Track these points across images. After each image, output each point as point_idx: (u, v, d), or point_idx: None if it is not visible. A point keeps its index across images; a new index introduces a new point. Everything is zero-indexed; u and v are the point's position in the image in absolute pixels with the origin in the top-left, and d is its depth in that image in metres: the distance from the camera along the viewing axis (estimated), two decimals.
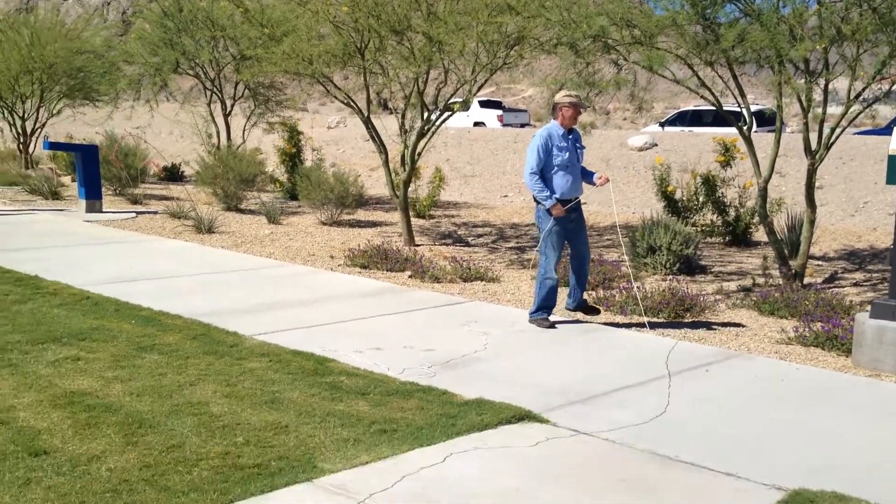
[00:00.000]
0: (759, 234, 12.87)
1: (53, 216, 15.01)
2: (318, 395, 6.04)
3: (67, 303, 8.46)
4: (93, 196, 15.31)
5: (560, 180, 8.06)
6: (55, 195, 17.47)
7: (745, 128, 10.12)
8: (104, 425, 5.31)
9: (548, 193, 7.99)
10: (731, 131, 12.08)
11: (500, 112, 39.35)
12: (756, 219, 12.44)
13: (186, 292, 9.20)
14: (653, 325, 8.31)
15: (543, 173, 8.05)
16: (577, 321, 8.50)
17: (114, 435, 5.17)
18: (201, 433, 5.26)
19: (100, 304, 8.47)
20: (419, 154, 12.82)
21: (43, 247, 11.78)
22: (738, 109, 10.26)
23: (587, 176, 8.30)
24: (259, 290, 9.51)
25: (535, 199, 8.19)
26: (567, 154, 8.07)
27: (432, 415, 5.71)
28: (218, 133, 20.08)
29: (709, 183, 13.02)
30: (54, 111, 23.02)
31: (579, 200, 8.20)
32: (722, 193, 13.07)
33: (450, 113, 12.76)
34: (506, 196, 18.83)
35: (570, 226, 8.17)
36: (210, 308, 8.44)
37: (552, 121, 8.27)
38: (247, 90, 19.31)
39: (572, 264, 8.35)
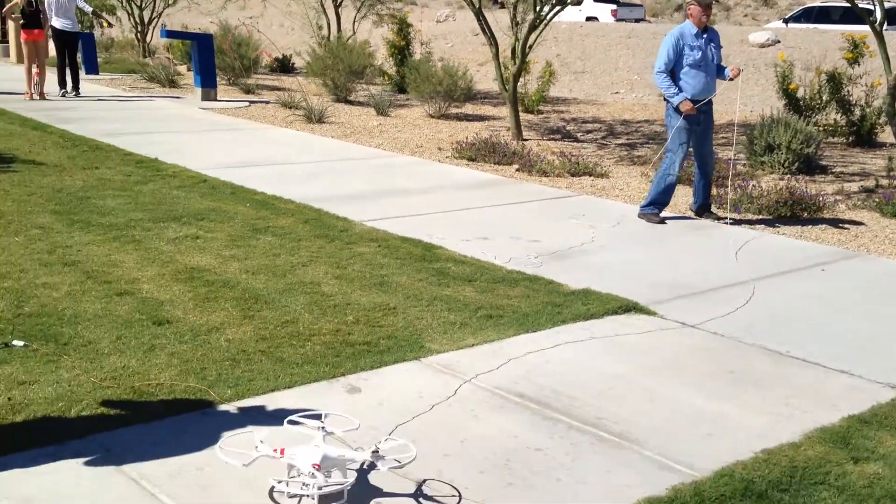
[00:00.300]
0: (886, 135, 12.30)
1: (170, 103, 15.40)
2: (426, 280, 6.13)
3: (186, 185, 8.74)
4: (208, 84, 15.63)
5: (691, 80, 7.96)
6: (172, 83, 17.87)
7: (876, 24, 9.59)
8: (222, 299, 5.52)
9: (675, 90, 7.91)
10: (859, 29, 11.45)
11: (614, 7, 38.08)
12: (883, 118, 11.85)
13: (298, 179, 9.38)
14: (767, 224, 8.11)
15: (674, 72, 7.97)
16: (689, 218, 8.36)
17: (231, 309, 5.37)
18: (313, 311, 5.42)
19: (216, 187, 8.72)
20: (529, 48, 12.58)
21: (161, 132, 12.13)
22: (870, 6, 9.71)
23: (721, 72, 8.14)
24: (368, 179, 9.62)
25: (664, 97, 8.14)
26: (699, 54, 7.94)
27: (538, 303, 5.75)
28: (328, 25, 20.11)
29: (834, 80, 12.43)
30: (171, 1, 23.38)
31: (710, 101, 8.07)
32: (847, 92, 12.47)
33: (562, 6, 12.42)
34: (617, 93, 18.39)
35: (697, 127, 8.07)
36: (321, 194, 8.60)
37: (686, 20, 8.11)
38: None
39: (697, 165, 8.28)
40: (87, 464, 3.53)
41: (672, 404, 4.38)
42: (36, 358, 4.49)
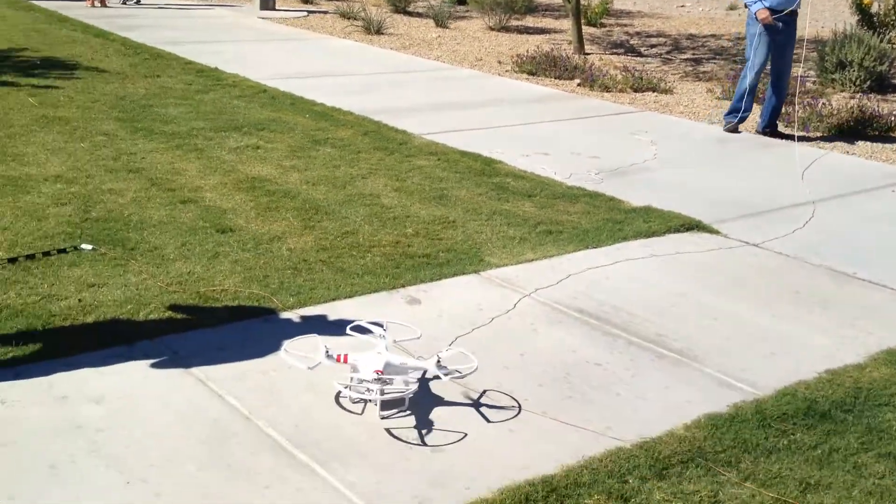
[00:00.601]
0: None
1: (230, 12, 15.33)
2: (485, 194, 6.10)
3: (246, 95, 8.75)
4: None
5: None
6: None
7: None
8: (283, 209, 5.56)
9: None
10: None
11: None
12: None
13: (357, 90, 9.32)
14: (836, 143, 7.89)
15: None
16: (757, 135, 8.17)
17: (292, 219, 5.41)
18: (373, 222, 5.44)
19: (276, 97, 8.71)
20: None
21: (221, 41, 12.11)
22: None
23: None
24: (427, 92, 9.53)
25: (745, 3, 8.04)
26: None
27: (598, 219, 5.70)
28: None
29: None
30: None
31: (794, 12, 7.85)
32: None
33: None
34: (682, 6, 17.86)
35: (778, 37, 7.89)
36: (380, 106, 8.55)
37: None
38: None
39: (770, 80, 8.12)
40: (156, 365, 3.63)
41: (734, 323, 4.35)
42: (104, 262, 4.59)
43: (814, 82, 10.46)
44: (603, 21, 15.27)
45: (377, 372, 3.36)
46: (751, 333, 4.24)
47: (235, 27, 13.59)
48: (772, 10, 7.76)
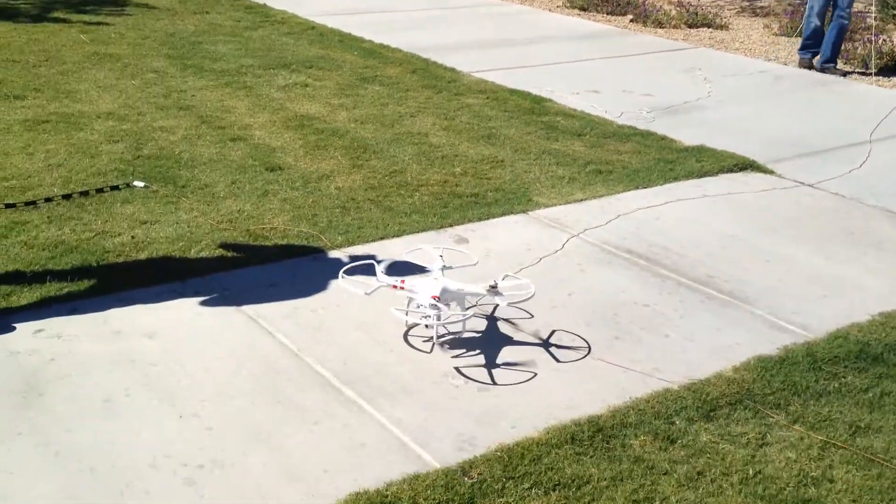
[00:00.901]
0: None
1: None
2: (534, 133, 6.04)
3: (294, 31, 8.71)
4: None
5: None
6: None
7: None
8: (332, 148, 5.56)
9: None
10: None
11: None
12: None
13: (405, 27, 9.22)
14: (894, 77, 7.67)
15: None
16: (815, 72, 7.96)
17: (341, 157, 5.41)
18: (421, 161, 5.42)
19: (324, 34, 8.66)
20: None
21: None
22: None
23: None
24: (476, 28, 9.40)
25: None
26: None
27: (649, 159, 5.61)
28: None
29: None
30: None
31: None
32: None
33: None
34: None
35: None
36: (429, 43, 8.45)
37: None
38: None
39: (833, 14, 7.90)
40: (207, 301, 3.68)
41: (787, 265, 4.28)
42: (156, 199, 4.64)
43: (875, 18, 10.11)
44: None
45: (434, 297, 3.35)
46: (803, 275, 4.18)
47: None
48: None
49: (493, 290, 3.44)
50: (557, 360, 3.41)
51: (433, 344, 3.45)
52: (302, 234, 4.34)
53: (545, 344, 3.52)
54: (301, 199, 4.78)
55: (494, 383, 3.24)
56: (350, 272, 3.70)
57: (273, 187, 4.90)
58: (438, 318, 3.36)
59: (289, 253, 4.16)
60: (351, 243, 4.29)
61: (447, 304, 3.41)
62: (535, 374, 3.31)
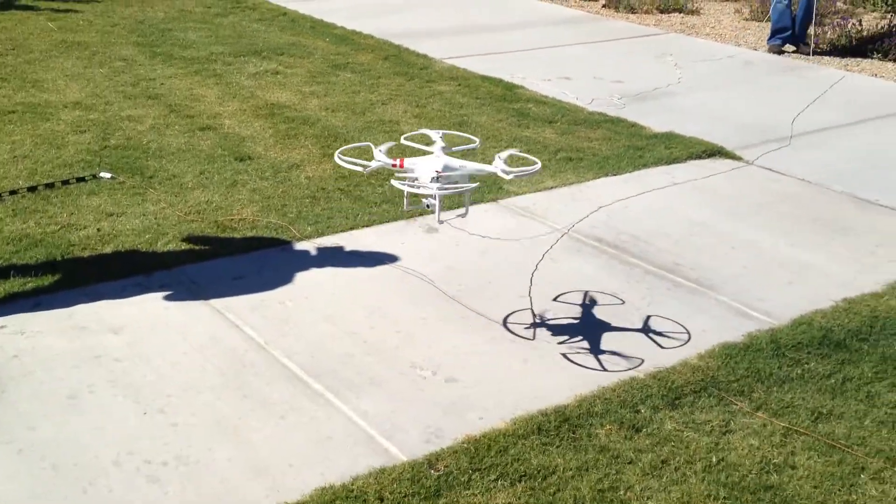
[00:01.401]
0: None
1: None
2: (506, 120, 6.04)
3: (265, 17, 8.65)
4: None
5: None
6: None
7: None
8: (302, 136, 5.54)
9: None
10: None
11: None
12: None
13: (378, 12, 9.18)
14: (864, 65, 7.70)
15: None
16: (785, 55, 8.00)
17: (311, 146, 5.39)
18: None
19: (296, 20, 8.61)
20: None
21: None
22: None
23: None
24: (450, 14, 9.37)
25: None
26: None
27: (619, 146, 5.63)
28: None
29: None
30: None
31: None
32: None
33: None
34: None
35: None
36: (401, 29, 8.42)
37: None
38: None
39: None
40: (174, 295, 3.67)
41: (753, 251, 4.31)
42: (123, 190, 4.61)
43: (845, 1, 10.16)
44: None
45: (437, 171, 3.24)
46: (769, 262, 4.21)
47: None
48: None
49: (500, 164, 3.34)
50: (525, 351, 3.42)
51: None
52: (271, 226, 4.33)
53: (513, 334, 3.53)
54: (270, 189, 4.76)
55: (461, 375, 3.25)
56: (347, 152, 3.57)
57: (242, 177, 4.88)
58: (440, 188, 3.20)
59: (257, 244, 4.15)
60: (321, 234, 4.28)
61: (450, 181, 3.27)
62: (503, 366, 3.32)
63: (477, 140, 3.74)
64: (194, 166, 4.98)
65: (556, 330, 3.56)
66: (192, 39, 7.68)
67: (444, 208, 3.56)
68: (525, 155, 3.68)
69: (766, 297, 3.86)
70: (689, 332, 3.56)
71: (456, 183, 3.34)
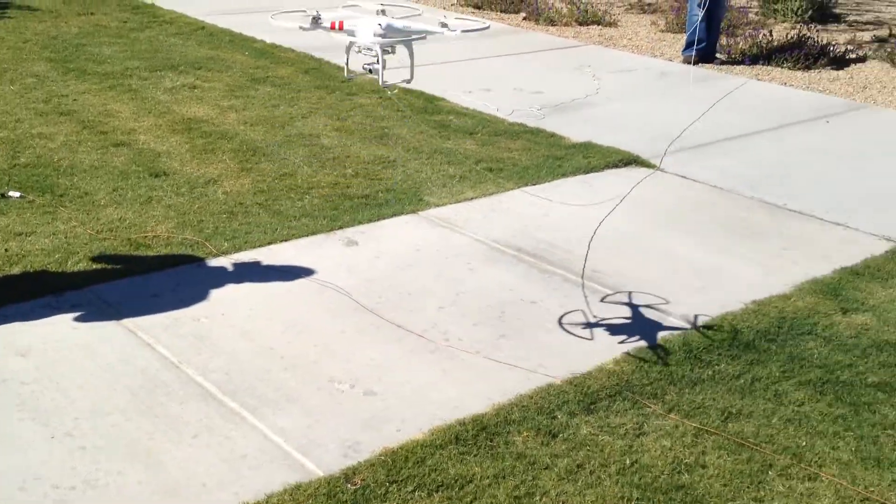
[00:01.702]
0: None
1: None
2: (427, 132, 6.06)
3: (183, 32, 8.54)
4: None
5: None
6: None
7: None
8: (220, 151, 5.48)
9: None
10: None
11: None
12: None
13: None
14: (776, 74, 7.93)
15: None
16: (699, 65, 8.18)
17: (229, 161, 5.34)
18: (312, 163, 5.38)
19: (214, 34, 8.52)
20: None
21: None
22: None
23: None
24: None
25: None
26: None
27: (539, 156, 5.69)
28: None
29: None
30: None
31: None
32: None
33: None
34: None
35: None
36: (321, 43, 8.34)
37: None
38: None
39: (712, 12, 8.10)
40: (85, 315, 3.59)
41: (668, 257, 4.40)
42: (32, 209, 4.50)
43: (756, 13, 10.45)
44: None
45: (379, 25, 3.10)
46: (682, 267, 4.30)
47: None
48: None
49: (444, 25, 3.29)
50: (444, 361, 3.43)
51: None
52: (186, 242, 4.27)
53: (432, 344, 3.54)
54: (186, 205, 4.69)
55: (380, 388, 3.24)
56: (281, 15, 3.44)
57: (157, 194, 4.81)
58: (383, 49, 3.10)
59: (172, 262, 4.09)
60: (237, 249, 4.24)
61: (392, 49, 3.18)
62: (422, 376, 3.32)
63: (420, 9, 3.59)
64: (107, 183, 4.89)
65: (475, 340, 3.58)
66: (107, 54, 7.55)
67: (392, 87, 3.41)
68: (470, 17, 3.54)
69: (679, 301, 3.94)
70: (605, 338, 3.62)
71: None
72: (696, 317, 3.79)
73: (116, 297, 3.72)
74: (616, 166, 5.60)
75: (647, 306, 3.89)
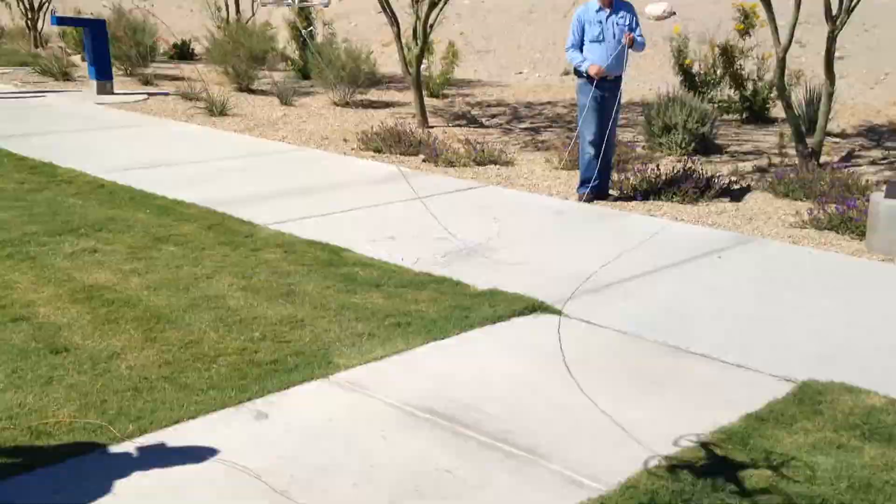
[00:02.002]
0: (777, 110, 12.65)
1: (65, 98, 14.89)
2: (333, 287, 6.09)
3: (83, 192, 8.48)
4: (103, 76, 15.17)
5: (591, 55, 8.29)
6: (66, 76, 17.27)
7: None
8: (123, 321, 5.39)
9: (582, 59, 8.31)
10: None
11: None
12: (774, 93, 12.18)
13: (201, 180, 9.18)
14: (666, 209, 8.28)
15: (582, 48, 8.38)
16: (594, 204, 8.49)
17: (133, 331, 5.25)
18: (219, 328, 5.33)
19: (115, 192, 8.48)
20: (431, 27, 12.48)
21: (56, 131, 11.73)
22: None
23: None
24: (273, 177, 9.49)
25: (575, 72, 8.53)
26: (598, 29, 8.28)
27: (446, 307, 5.76)
28: (227, 5, 19.68)
29: (727, 54, 12.71)
30: None
31: (618, 77, 8.39)
32: (740, 66, 12.77)
33: None
34: (520, 73, 18.48)
35: (603, 102, 8.32)
36: (224, 196, 8.44)
37: None
38: None
39: (601, 147, 8.43)
40: None
41: (578, 411, 4.45)
42: None
43: (643, 147, 10.95)
44: (445, 92, 15.62)
45: None
46: (594, 421, 4.35)
47: (71, 116, 13.19)
48: (591, 80, 8.27)
49: None
50: None
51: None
52: (90, 426, 4.14)
53: None
54: (89, 383, 4.57)
55: None
56: None
57: (58, 373, 4.68)
58: None
59: (76, 450, 3.95)
60: (143, 431, 4.13)
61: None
62: None
63: None
64: (5, 364, 4.74)
65: None
66: (4, 219, 7.43)
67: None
68: None
69: (594, 462, 3.97)
70: None
71: None
72: (612, 478, 3.81)
73: (18, 495, 3.56)
74: (522, 314, 5.70)
75: (564, 469, 3.90)
